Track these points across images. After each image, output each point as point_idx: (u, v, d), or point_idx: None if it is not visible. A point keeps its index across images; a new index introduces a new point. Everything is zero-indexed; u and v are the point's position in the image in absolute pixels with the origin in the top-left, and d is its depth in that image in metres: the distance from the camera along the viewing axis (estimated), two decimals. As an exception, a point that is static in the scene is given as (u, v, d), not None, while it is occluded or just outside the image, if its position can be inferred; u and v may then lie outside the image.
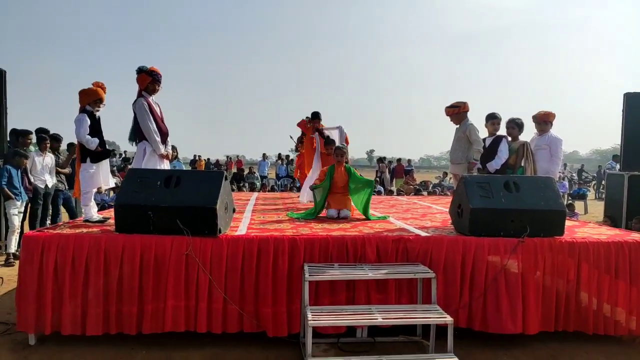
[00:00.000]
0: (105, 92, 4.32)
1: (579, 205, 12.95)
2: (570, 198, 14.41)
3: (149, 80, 4.49)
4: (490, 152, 5.25)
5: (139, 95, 4.51)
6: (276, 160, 20.23)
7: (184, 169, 15.91)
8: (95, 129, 4.23)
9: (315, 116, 6.86)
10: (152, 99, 4.58)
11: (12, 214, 6.16)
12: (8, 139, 6.97)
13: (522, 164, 5.18)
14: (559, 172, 9.66)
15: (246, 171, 18.87)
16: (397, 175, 19.21)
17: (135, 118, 4.46)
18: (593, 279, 3.73)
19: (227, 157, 28.91)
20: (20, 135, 6.72)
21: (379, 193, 11.24)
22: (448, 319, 3.09)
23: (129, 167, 11.10)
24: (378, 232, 3.98)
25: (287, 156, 20.23)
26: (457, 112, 5.56)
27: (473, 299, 3.66)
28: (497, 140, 5.26)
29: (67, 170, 7.35)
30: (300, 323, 3.53)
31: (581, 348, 3.69)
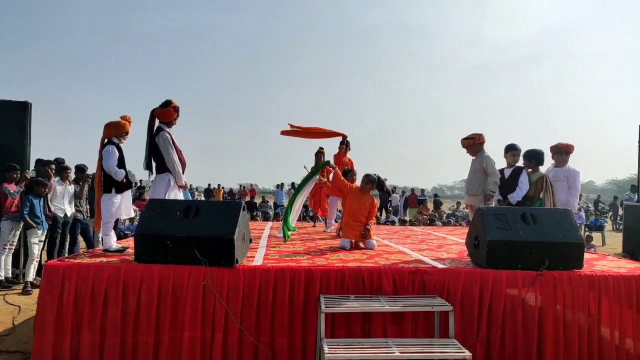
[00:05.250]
0: (130, 125, 4.47)
1: (596, 237, 12.72)
2: (587, 229, 14.16)
3: (175, 115, 4.63)
4: (510, 183, 5.24)
5: (160, 128, 4.59)
6: (289, 189, 20.30)
7: (191, 198, 16.01)
8: (121, 161, 4.35)
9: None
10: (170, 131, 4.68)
11: (32, 242, 6.26)
12: (33, 168, 7.18)
13: (541, 196, 5.15)
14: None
15: (259, 200, 18.94)
16: (410, 205, 19.16)
17: (157, 150, 4.53)
18: (615, 314, 3.66)
19: (240, 185, 29.03)
20: (42, 165, 6.91)
21: (392, 223, 11.19)
22: (467, 354, 3.03)
23: (146, 195, 11.26)
24: (394, 264, 3.96)
25: (300, 185, 20.24)
26: (473, 143, 5.56)
27: (491, 332, 3.60)
28: (517, 171, 5.26)
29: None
30: (315, 355, 3.49)
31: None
